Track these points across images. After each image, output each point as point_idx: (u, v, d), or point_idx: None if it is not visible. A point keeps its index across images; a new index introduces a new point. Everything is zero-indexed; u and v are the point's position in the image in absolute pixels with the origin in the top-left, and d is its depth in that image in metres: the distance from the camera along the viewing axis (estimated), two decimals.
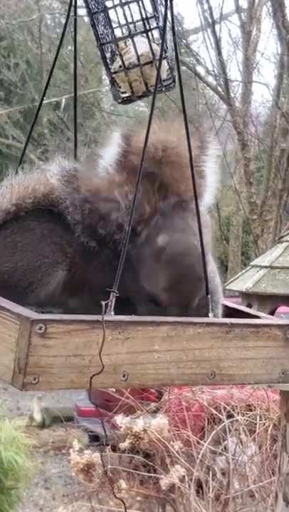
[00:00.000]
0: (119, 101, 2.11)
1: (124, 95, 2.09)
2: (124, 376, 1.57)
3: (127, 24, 2.05)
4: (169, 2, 1.86)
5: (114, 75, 2.06)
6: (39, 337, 1.46)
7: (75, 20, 2.13)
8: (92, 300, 1.80)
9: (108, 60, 2.09)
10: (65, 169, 1.93)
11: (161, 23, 1.96)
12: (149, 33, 2.01)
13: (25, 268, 1.86)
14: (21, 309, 1.53)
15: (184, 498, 5.29)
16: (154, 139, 1.91)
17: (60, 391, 11.34)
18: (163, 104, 13.18)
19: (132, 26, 2.06)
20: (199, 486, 5.38)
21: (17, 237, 1.90)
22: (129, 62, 2.02)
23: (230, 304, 2.06)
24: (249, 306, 3.38)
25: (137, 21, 2.04)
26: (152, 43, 2.00)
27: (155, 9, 2.01)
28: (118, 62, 2.05)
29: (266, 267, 3.34)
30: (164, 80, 2.04)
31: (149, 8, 2.04)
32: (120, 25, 2.08)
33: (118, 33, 2.10)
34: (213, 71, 14.03)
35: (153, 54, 1.99)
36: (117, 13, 2.07)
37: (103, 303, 1.58)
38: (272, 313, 3.32)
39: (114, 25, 2.09)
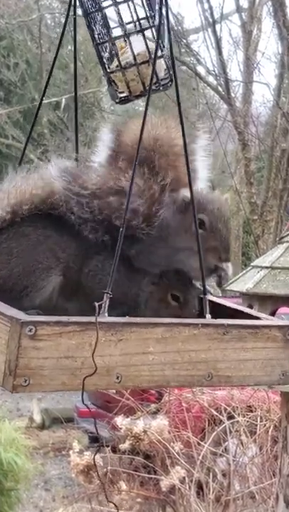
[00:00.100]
0: (117, 101, 2.09)
1: (121, 95, 2.08)
2: (117, 378, 1.56)
3: (123, 23, 2.04)
4: (164, 1, 1.86)
5: (111, 75, 2.05)
6: (29, 339, 1.45)
7: (75, 19, 2.13)
8: (90, 303, 1.80)
9: (106, 60, 2.08)
10: (64, 170, 1.93)
11: (156, 22, 1.95)
12: (145, 32, 2.00)
13: (20, 273, 1.87)
14: (13, 312, 1.53)
15: (184, 499, 5.29)
16: (144, 131, 1.91)
17: (60, 392, 11.32)
18: (164, 104, 13.17)
19: (131, 25, 2.05)
20: (200, 488, 5.37)
21: (12, 243, 1.90)
22: (126, 62, 2.01)
23: (232, 304, 2.04)
24: (250, 306, 3.37)
25: (141, 19, 2.02)
26: (149, 42, 1.99)
27: (150, 8, 2.00)
28: (115, 62, 2.04)
29: (267, 267, 3.33)
30: (161, 79, 2.03)
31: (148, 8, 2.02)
32: (121, 25, 2.07)
33: (118, 32, 2.08)
34: (214, 71, 14.03)
35: (149, 53, 1.97)
36: (118, 12, 2.05)
37: (96, 304, 1.57)
38: (272, 313, 3.31)
39: (113, 25, 2.08)
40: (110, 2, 2.03)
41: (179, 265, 1.93)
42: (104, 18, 2.07)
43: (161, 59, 1.99)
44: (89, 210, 1.89)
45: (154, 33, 1.98)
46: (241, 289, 3.35)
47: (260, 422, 5.60)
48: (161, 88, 2.05)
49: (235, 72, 20.79)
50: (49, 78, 2.51)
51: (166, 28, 1.94)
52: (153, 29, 2.00)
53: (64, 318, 1.52)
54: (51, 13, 19.23)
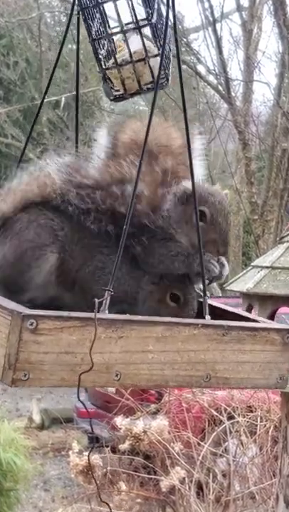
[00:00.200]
0: (111, 98, 2.08)
1: (116, 93, 2.07)
2: (116, 375, 1.55)
3: (120, 20, 2.03)
4: (171, 1, 1.85)
5: (106, 72, 2.04)
6: (30, 333, 1.44)
7: (78, 18, 2.11)
8: (87, 300, 1.81)
9: (103, 57, 2.07)
10: (63, 163, 1.93)
11: (154, 20, 1.94)
12: (143, 30, 1.99)
13: (14, 257, 1.85)
14: (13, 305, 1.51)
15: (184, 500, 5.29)
16: (140, 136, 1.93)
17: (60, 392, 11.36)
18: (163, 104, 13.18)
19: (129, 24, 2.03)
20: (200, 488, 5.37)
21: (6, 232, 1.90)
22: (122, 59, 2.00)
23: (229, 308, 2.03)
24: (250, 306, 3.37)
25: (141, 20, 2.01)
26: (145, 40, 1.98)
27: (148, 5, 1.98)
28: (112, 59, 2.03)
29: (267, 267, 3.32)
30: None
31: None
32: (119, 23, 2.05)
33: (115, 29, 2.07)
34: (214, 70, 14.05)
35: (146, 51, 1.97)
36: (116, 9, 2.04)
37: (96, 300, 1.56)
38: (273, 314, 3.30)
39: (111, 22, 2.07)
40: None
41: (179, 266, 1.93)
42: (103, 14, 2.06)
43: (157, 57, 1.97)
44: (91, 201, 1.88)
45: (152, 31, 1.97)
46: (241, 288, 3.34)
47: (260, 422, 5.60)
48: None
49: (235, 71, 20.81)
50: (51, 78, 2.50)
51: (167, 28, 1.92)
52: (150, 27, 1.98)
53: (65, 313, 1.51)
54: (51, 11, 19.23)
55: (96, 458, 5.05)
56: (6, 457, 6.34)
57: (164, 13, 1.92)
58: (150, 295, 1.92)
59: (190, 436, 5.46)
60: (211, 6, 13.90)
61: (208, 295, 1.88)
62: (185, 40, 13.66)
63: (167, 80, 2.03)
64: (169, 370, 1.63)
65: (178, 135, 2.01)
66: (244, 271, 3.61)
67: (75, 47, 2.26)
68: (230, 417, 5.61)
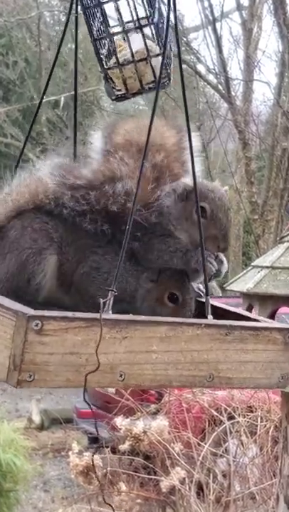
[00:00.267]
0: (113, 98, 2.09)
1: (118, 92, 2.07)
2: (121, 376, 1.55)
3: (122, 20, 2.03)
4: (172, 1, 1.86)
5: (108, 72, 2.04)
6: (35, 334, 1.44)
7: (76, 18, 2.11)
8: (84, 301, 1.84)
9: (104, 57, 2.07)
10: (56, 166, 1.94)
11: (156, 19, 1.95)
12: (144, 30, 2.00)
13: (16, 267, 1.86)
14: (18, 306, 1.51)
15: (184, 500, 5.28)
16: (134, 136, 1.97)
17: (60, 392, 11.35)
18: (163, 103, 13.17)
19: (130, 23, 2.04)
20: (200, 488, 5.36)
21: (2, 241, 1.90)
22: (124, 59, 2.00)
23: (230, 307, 2.04)
24: (250, 306, 3.36)
25: (141, 18, 2.02)
26: (147, 40, 1.99)
27: (150, 5, 1.98)
28: (113, 59, 2.04)
29: (267, 267, 3.32)
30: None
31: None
32: (120, 22, 2.05)
33: (117, 29, 2.08)
34: (214, 69, 14.07)
35: (148, 51, 1.96)
36: (118, 9, 2.04)
37: (101, 300, 1.56)
38: (273, 314, 3.29)
39: (112, 22, 2.08)
40: None
41: (178, 262, 1.93)
42: (104, 14, 2.06)
43: (159, 57, 1.97)
44: (85, 202, 1.89)
45: (154, 31, 1.98)
46: (242, 288, 3.33)
47: (261, 422, 5.59)
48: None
49: (235, 70, 20.82)
50: (50, 77, 2.50)
51: (168, 28, 1.92)
52: (152, 27, 1.99)
53: (70, 314, 1.51)
54: (50, 10, 19.24)
55: (96, 458, 5.04)
56: (5, 458, 6.34)
57: (164, 13, 1.92)
58: (148, 294, 1.92)
59: (190, 436, 5.45)
60: (210, 5, 13.94)
61: (212, 294, 1.89)
62: (185, 39, 13.68)
63: (169, 79, 2.04)
64: (172, 370, 1.63)
65: (171, 133, 2.02)
66: (244, 271, 3.60)
67: (74, 46, 2.25)
68: (231, 417, 5.60)
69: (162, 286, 1.92)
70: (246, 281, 3.37)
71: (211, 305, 1.87)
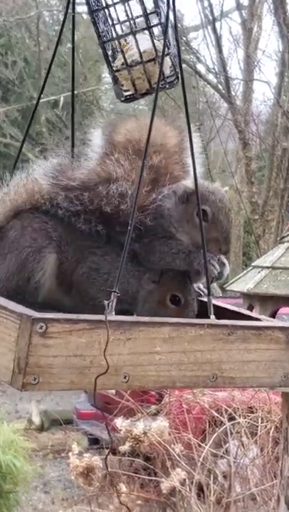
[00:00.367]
0: (122, 99, 2.09)
1: (127, 93, 2.07)
2: (125, 377, 1.55)
3: (129, 21, 2.04)
4: (172, 1, 1.87)
5: (116, 73, 2.05)
6: (39, 336, 1.44)
7: (73, 17, 2.12)
8: (84, 302, 1.84)
9: (110, 58, 2.07)
10: (50, 167, 1.94)
11: (163, 20, 1.95)
12: (151, 30, 2.00)
13: (16, 266, 1.86)
14: (21, 308, 1.51)
15: (184, 501, 5.28)
16: (135, 135, 1.96)
17: (59, 393, 11.34)
18: (163, 103, 13.14)
19: (132, 23, 2.05)
20: (200, 490, 5.35)
21: (2, 241, 1.91)
22: (131, 60, 2.00)
23: (231, 306, 2.04)
24: (251, 307, 3.35)
25: (137, 17, 2.03)
26: (155, 40, 1.98)
27: (156, 5, 1.98)
28: (120, 60, 2.03)
29: (268, 267, 3.32)
30: (167, 77, 2.03)
31: (150, 5, 2.01)
32: (120, 22, 2.07)
33: (118, 30, 2.08)
34: (214, 69, 14.07)
35: (156, 51, 1.97)
36: (116, 10, 2.05)
37: (106, 302, 1.57)
38: (274, 314, 3.28)
39: (114, 23, 2.08)
40: (114, 0, 2.04)
41: (180, 264, 1.92)
42: (108, 15, 2.06)
43: (167, 57, 1.98)
44: (79, 203, 1.89)
45: (161, 31, 1.97)
46: (242, 289, 3.32)
47: (261, 423, 5.59)
48: (167, 86, 2.06)
49: (235, 70, 20.87)
50: (47, 76, 2.51)
51: (167, 27, 1.93)
52: (159, 27, 1.99)
53: (74, 316, 1.51)
54: (49, 10, 19.27)
55: (96, 459, 5.02)
56: (5, 459, 6.33)
57: (164, 13, 1.92)
58: (150, 295, 1.91)
59: (190, 437, 5.46)
60: (210, 5, 13.94)
61: (212, 295, 1.88)
62: (184, 38, 13.66)
63: (177, 77, 2.03)
64: (175, 370, 1.63)
65: (173, 134, 2.02)
66: (244, 271, 3.59)
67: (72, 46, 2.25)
68: (231, 418, 5.60)
69: (164, 287, 1.92)
70: (247, 282, 3.36)
71: (214, 305, 1.86)
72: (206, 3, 14.04)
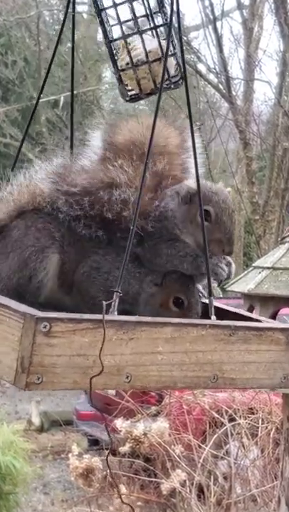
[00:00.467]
0: (127, 99, 2.08)
1: (131, 93, 2.07)
2: (127, 377, 1.55)
3: (136, 20, 2.02)
4: (175, 1, 1.87)
5: (121, 73, 2.04)
6: (43, 335, 1.43)
7: (73, 16, 2.12)
8: (85, 302, 1.85)
9: (116, 57, 2.06)
10: (51, 172, 1.95)
11: (168, 19, 1.95)
12: (158, 30, 2.00)
13: (18, 265, 1.86)
14: (24, 307, 1.51)
15: (185, 502, 5.28)
16: (137, 137, 1.96)
17: (59, 394, 11.34)
18: (164, 103, 13.13)
19: (137, 23, 2.03)
20: (201, 491, 5.35)
21: (5, 240, 1.91)
22: (137, 59, 2.00)
23: (231, 308, 2.03)
24: (251, 307, 3.34)
25: (140, 17, 2.02)
26: (161, 40, 1.98)
27: (162, 5, 1.98)
28: (124, 60, 2.03)
29: (268, 268, 3.32)
30: (172, 77, 2.02)
31: (153, 4, 2.01)
32: (121, 22, 2.06)
33: (126, 30, 2.07)
34: (215, 69, 14.07)
35: (162, 50, 1.96)
36: (116, 10, 2.04)
37: (104, 303, 1.55)
38: (274, 314, 3.28)
39: (121, 22, 2.06)
40: (117, 1, 2.02)
41: (188, 267, 1.91)
42: (116, 15, 2.05)
43: (172, 56, 1.98)
44: (79, 208, 1.88)
45: (165, 31, 1.96)
46: (243, 289, 3.32)
47: (262, 424, 5.59)
48: (172, 86, 2.05)
49: (236, 70, 20.86)
50: (46, 76, 2.48)
51: (171, 27, 1.93)
52: (161, 27, 1.98)
53: (77, 315, 1.51)
54: (49, 9, 19.28)
55: (96, 460, 5.01)
56: (5, 460, 6.33)
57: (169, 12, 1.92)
58: (152, 298, 1.90)
59: (191, 438, 5.45)
60: (211, 4, 13.96)
61: (214, 296, 1.88)
62: (185, 38, 13.66)
63: (181, 77, 2.02)
64: (177, 371, 1.63)
65: (175, 134, 2.02)
66: (245, 272, 3.59)
67: (71, 45, 2.24)
68: (232, 419, 5.60)
69: (167, 290, 1.91)
70: (247, 282, 3.35)
71: (217, 307, 1.87)
72: (206, 3, 14.09)
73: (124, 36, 2.03)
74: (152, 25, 1.99)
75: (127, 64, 2.01)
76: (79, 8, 13.55)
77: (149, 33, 2.00)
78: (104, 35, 2.06)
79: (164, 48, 1.93)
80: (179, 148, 2.00)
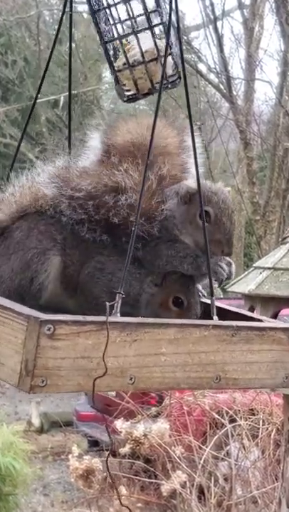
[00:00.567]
0: (125, 99, 2.08)
1: (128, 93, 2.06)
2: (131, 379, 1.55)
3: (131, 20, 2.02)
4: (174, 0, 1.86)
5: (118, 73, 2.04)
6: (47, 338, 1.43)
7: (71, 15, 2.13)
8: (88, 303, 1.85)
9: (112, 58, 2.06)
10: (54, 176, 1.93)
11: (165, 19, 1.94)
12: (153, 29, 1.99)
13: (20, 267, 1.86)
14: (28, 310, 1.50)
15: (185, 504, 5.28)
16: (137, 138, 1.96)
17: (59, 395, 11.33)
18: (164, 102, 13.12)
19: (134, 22, 2.03)
20: (201, 492, 5.35)
21: (7, 241, 1.91)
22: (133, 60, 2.00)
23: (233, 308, 2.03)
24: (252, 308, 3.33)
25: (138, 16, 2.02)
26: (157, 39, 1.98)
27: (158, 4, 1.98)
28: (121, 60, 2.03)
29: (269, 268, 3.31)
30: (169, 76, 2.02)
31: (150, 4, 2.00)
32: (121, 22, 2.06)
33: (119, 30, 2.07)
34: (215, 68, 14.09)
35: (158, 50, 1.97)
36: (117, 10, 2.04)
37: (108, 304, 1.55)
38: (275, 315, 3.27)
39: (116, 22, 2.06)
40: (115, 0, 2.02)
41: (188, 268, 1.91)
42: (110, 15, 2.05)
43: (169, 56, 1.97)
44: (83, 211, 1.88)
45: (162, 31, 1.97)
46: (243, 290, 3.31)
47: (263, 425, 5.59)
48: (169, 85, 2.05)
49: (236, 69, 20.86)
50: (44, 75, 2.49)
51: (170, 26, 1.90)
52: (160, 26, 1.98)
53: (81, 318, 1.50)
54: (49, 9, 19.31)
55: (96, 462, 5.00)
56: (4, 461, 6.33)
57: (165, 12, 1.92)
58: (152, 298, 1.90)
59: (191, 439, 5.46)
60: (212, 4, 13.97)
61: (215, 296, 1.87)
62: (186, 38, 13.67)
63: (179, 77, 2.02)
64: (180, 372, 1.63)
65: (174, 134, 2.02)
66: (246, 272, 3.58)
67: (74, 45, 2.22)
68: (232, 420, 5.60)
69: (167, 290, 1.90)
70: (248, 283, 3.34)
71: (218, 307, 1.86)
72: (207, 2, 14.10)
73: (120, 37, 2.03)
74: (148, 25, 1.98)
75: (124, 64, 2.01)
76: (79, 7, 13.54)
77: (149, 32, 1.98)
78: (100, 35, 2.05)
79: (160, 48, 1.93)
80: (178, 149, 1.99)
